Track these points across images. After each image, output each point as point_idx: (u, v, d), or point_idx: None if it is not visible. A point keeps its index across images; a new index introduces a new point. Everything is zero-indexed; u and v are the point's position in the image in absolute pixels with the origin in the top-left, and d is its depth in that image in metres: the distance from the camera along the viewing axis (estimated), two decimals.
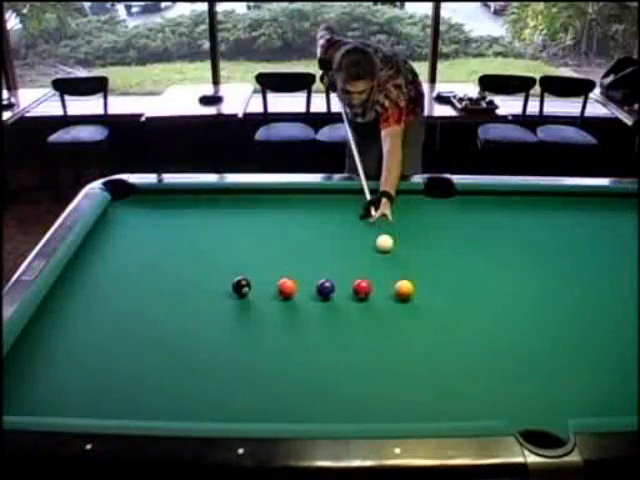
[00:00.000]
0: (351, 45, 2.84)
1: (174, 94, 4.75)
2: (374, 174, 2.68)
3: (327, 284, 1.94)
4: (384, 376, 1.64)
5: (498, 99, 4.32)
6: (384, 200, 2.47)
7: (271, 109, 4.50)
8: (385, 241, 2.24)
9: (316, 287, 1.94)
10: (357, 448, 1.35)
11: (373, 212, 2.45)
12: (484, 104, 4.23)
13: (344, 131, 3.06)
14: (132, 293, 2.02)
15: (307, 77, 4.52)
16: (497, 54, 9.61)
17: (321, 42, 3.13)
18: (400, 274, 2.10)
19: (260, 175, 2.93)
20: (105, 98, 4.47)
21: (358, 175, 2.66)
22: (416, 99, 3.01)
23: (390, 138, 2.71)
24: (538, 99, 4.52)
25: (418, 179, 2.70)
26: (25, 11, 8.66)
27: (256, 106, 4.47)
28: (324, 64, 3.07)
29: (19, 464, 1.33)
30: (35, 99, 4.50)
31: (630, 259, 2.13)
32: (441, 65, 5.61)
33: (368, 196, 2.52)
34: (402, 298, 1.94)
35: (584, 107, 4.46)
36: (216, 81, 4.92)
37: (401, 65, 2.92)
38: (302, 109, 4.51)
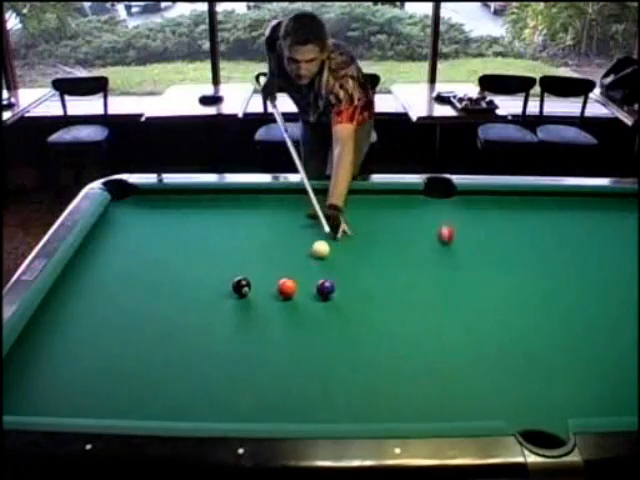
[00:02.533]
0: (300, 11, 2.68)
1: (174, 94, 4.76)
2: (318, 174, 2.63)
3: (327, 284, 1.94)
4: (385, 376, 1.64)
5: (498, 99, 4.31)
6: (333, 213, 2.34)
7: (271, 109, 4.50)
8: (320, 247, 2.19)
9: (316, 287, 1.94)
10: (357, 448, 1.35)
11: (339, 234, 2.30)
12: (484, 104, 4.22)
13: (281, 132, 2.91)
14: (132, 293, 2.02)
15: None
16: (497, 54, 9.61)
17: (272, 23, 2.97)
18: (401, 274, 2.11)
19: (260, 175, 2.93)
20: (105, 98, 4.47)
21: (308, 177, 2.56)
22: (366, 107, 2.83)
23: (342, 138, 2.55)
24: (538, 99, 4.53)
25: (418, 179, 2.69)
26: (25, 11, 8.66)
27: (256, 106, 4.46)
28: (271, 43, 2.84)
29: (19, 464, 1.33)
30: (35, 99, 4.50)
31: (630, 259, 2.13)
32: (441, 65, 5.61)
33: (315, 204, 2.38)
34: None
35: (584, 107, 4.46)
36: (216, 81, 4.91)
37: (354, 58, 2.80)
38: None
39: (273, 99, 3.08)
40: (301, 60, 2.52)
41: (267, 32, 2.94)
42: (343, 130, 2.57)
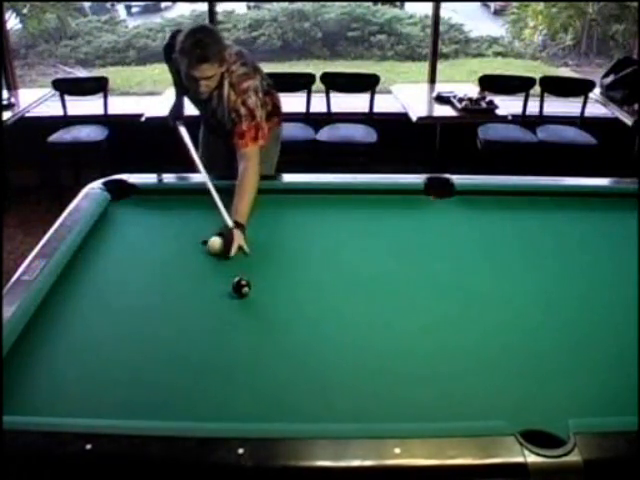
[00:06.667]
0: (196, 24, 2.57)
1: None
2: (220, 172, 2.61)
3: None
4: (385, 376, 1.64)
5: (498, 99, 4.31)
6: (237, 232, 2.24)
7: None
8: (214, 243, 2.20)
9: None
10: (357, 448, 1.35)
11: (232, 250, 2.20)
12: (484, 104, 4.22)
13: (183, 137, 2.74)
14: (132, 293, 2.02)
15: (307, 77, 4.52)
16: (497, 54, 9.61)
17: (171, 32, 2.84)
18: (401, 274, 2.11)
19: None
20: (105, 98, 4.47)
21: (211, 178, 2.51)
22: (273, 112, 2.85)
23: (246, 159, 2.49)
24: (538, 99, 4.53)
25: (418, 179, 2.69)
26: (25, 11, 8.66)
27: None
28: (169, 49, 2.70)
29: (19, 464, 1.33)
30: (35, 99, 4.49)
31: (630, 259, 2.13)
32: (441, 65, 5.61)
33: (226, 217, 2.31)
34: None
35: (584, 107, 4.46)
36: None
37: (257, 68, 2.75)
38: (302, 109, 4.50)
39: (180, 121, 2.85)
40: (200, 77, 2.46)
41: (166, 40, 2.86)
42: (248, 153, 2.51)
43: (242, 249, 2.22)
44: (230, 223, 2.28)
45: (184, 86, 2.65)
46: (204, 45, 2.39)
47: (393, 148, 4.31)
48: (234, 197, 2.38)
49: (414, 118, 4.15)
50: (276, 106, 2.90)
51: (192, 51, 2.39)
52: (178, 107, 2.91)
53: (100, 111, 4.48)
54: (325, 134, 4.32)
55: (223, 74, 2.53)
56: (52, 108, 4.59)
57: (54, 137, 4.30)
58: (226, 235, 2.24)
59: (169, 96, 4.67)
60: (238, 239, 2.23)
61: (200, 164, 2.59)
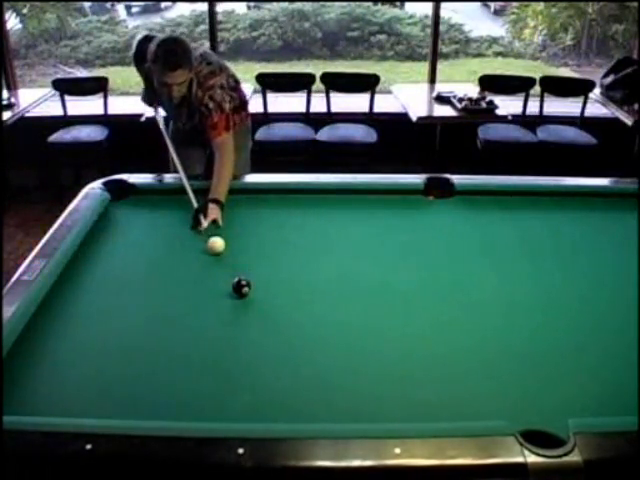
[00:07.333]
0: (165, 35, 2.73)
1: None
2: (200, 173, 2.73)
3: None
4: (385, 376, 1.64)
5: (498, 99, 4.31)
6: (212, 206, 2.43)
7: (271, 109, 4.50)
8: (215, 244, 2.21)
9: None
10: (357, 448, 1.35)
11: (202, 220, 2.38)
12: (484, 104, 4.22)
13: (163, 134, 2.91)
14: (132, 293, 2.02)
15: (307, 77, 4.52)
16: (497, 54, 9.62)
17: (138, 37, 3.01)
18: (401, 274, 2.11)
19: (260, 175, 2.93)
20: (105, 98, 4.47)
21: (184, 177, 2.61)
22: (240, 107, 2.98)
23: (222, 148, 2.68)
24: (538, 99, 4.53)
25: (418, 179, 2.69)
26: (25, 11, 8.67)
27: (256, 106, 4.46)
28: (139, 57, 2.87)
29: (19, 464, 1.33)
30: (35, 99, 4.49)
31: (630, 259, 2.13)
32: (441, 65, 5.61)
33: (194, 203, 2.46)
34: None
35: (584, 107, 4.46)
36: None
37: (222, 66, 2.88)
38: (302, 109, 4.51)
39: (156, 107, 3.03)
40: (172, 83, 2.61)
41: (133, 47, 3.01)
42: (222, 142, 2.70)
43: (215, 222, 2.39)
44: (195, 204, 2.46)
45: (156, 92, 2.82)
46: (175, 53, 2.57)
47: (393, 148, 4.31)
48: (213, 180, 2.57)
49: (414, 118, 4.15)
50: (242, 100, 3.04)
51: (164, 59, 2.57)
52: (150, 95, 3.02)
53: (100, 111, 4.48)
54: (325, 134, 4.32)
55: (192, 78, 2.68)
56: (52, 108, 4.59)
57: (54, 137, 4.30)
58: (199, 207, 2.42)
59: None
60: (214, 213, 2.41)
61: (173, 152, 2.76)
